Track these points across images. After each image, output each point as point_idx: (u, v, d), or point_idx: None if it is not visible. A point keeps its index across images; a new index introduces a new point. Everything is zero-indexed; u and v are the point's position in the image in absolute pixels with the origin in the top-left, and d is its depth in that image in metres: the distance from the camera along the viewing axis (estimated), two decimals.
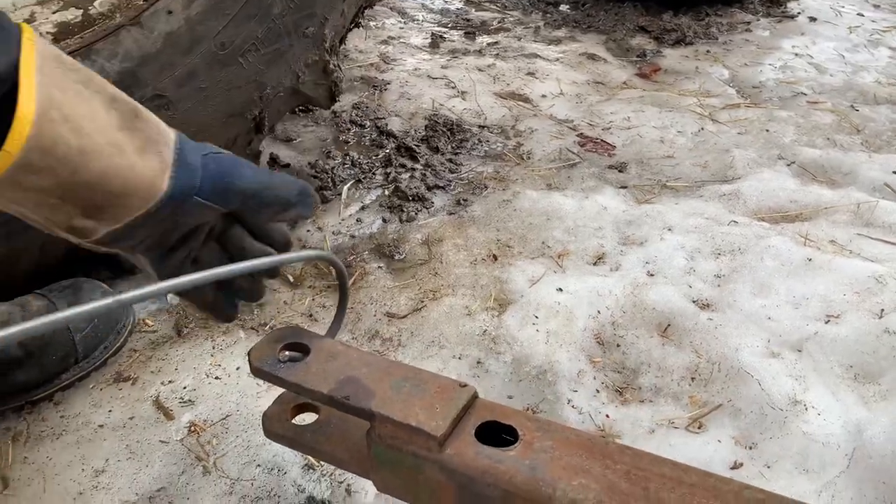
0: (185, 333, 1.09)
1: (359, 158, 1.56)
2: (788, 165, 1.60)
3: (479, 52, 2.28)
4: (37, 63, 0.49)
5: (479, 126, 1.76)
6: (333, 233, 1.35)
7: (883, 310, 1.11)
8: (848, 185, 1.52)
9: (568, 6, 2.75)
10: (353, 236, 1.34)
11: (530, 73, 2.10)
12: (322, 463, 0.89)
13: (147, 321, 1.11)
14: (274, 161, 1.53)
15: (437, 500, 0.65)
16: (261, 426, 0.90)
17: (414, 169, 1.55)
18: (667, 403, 0.99)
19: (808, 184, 1.53)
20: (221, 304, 0.71)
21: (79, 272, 1.11)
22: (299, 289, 1.20)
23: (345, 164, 1.55)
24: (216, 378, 1.01)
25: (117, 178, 0.52)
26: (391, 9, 2.68)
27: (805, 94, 2.01)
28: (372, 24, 2.48)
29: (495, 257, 1.28)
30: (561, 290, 1.17)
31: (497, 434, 0.64)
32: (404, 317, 1.15)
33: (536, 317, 1.12)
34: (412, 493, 0.67)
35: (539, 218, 1.38)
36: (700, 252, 1.27)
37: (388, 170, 1.54)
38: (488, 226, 1.37)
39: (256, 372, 0.70)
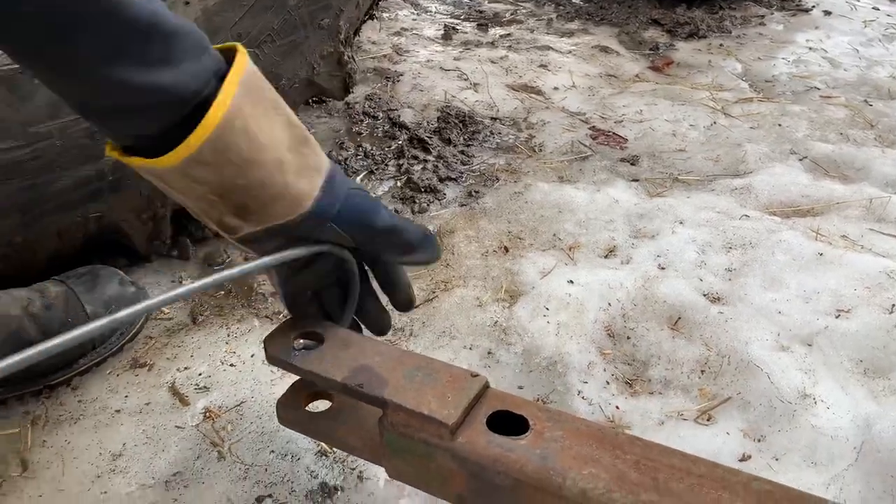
0: (201, 321, 1.10)
1: (371, 150, 1.57)
2: (801, 160, 1.60)
3: (492, 44, 2.28)
4: (241, 81, 0.57)
5: (492, 118, 1.77)
6: None
7: (894, 305, 1.11)
8: (860, 181, 1.52)
9: None
10: None
11: (543, 66, 2.11)
12: (335, 450, 0.91)
13: (163, 308, 1.13)
14: None
15: (448, 488, 0.66)
16: (275, 413, 0.92)
17: (426, 160, 1.56)
18: (676, 396, 0.99)
19: (821, 179, 1.53)
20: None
21: (96, 260, 1.12)
22: None
23: (357, 155, 1.56)
24: (231, 365, 1.02)
25: (271, 189, 0.61)
26: (404, 0, 2.69)
27: (818, 89, 2.01)
28: (385, 15, 2.49)
29: (506, 249, 1.29)
30: (572, 282, 1.18)
31: (508, 423, 0.65)
32: (416, 307, 1.16)
33: (547, 308, 1.13)
34: (423, 481, 0.69)
35: (550, 210, 1.39)
36: (711, 246, 1.27)
37: (401, 161, 1.55)
38: (500, 218, 1.38)
39: (271, 359, 0.72)
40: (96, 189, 1.04)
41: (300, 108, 1.68)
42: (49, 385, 0.99)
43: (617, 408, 0.98)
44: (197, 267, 1.22)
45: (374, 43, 2.21)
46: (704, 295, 1.16)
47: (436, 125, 1.69)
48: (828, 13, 2.62)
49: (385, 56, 2.12)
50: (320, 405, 0.81)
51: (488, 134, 1.69)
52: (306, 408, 0.78)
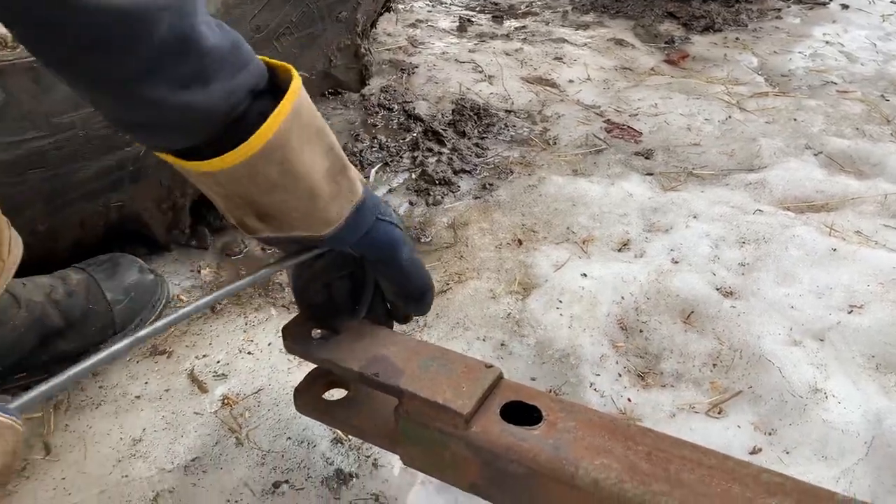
0: (219, 310, 1.12)
1: (386, 142, 1.58)
2: (816, 155, 1.60)
3: (507, 37, 2.28)
4: (289, 111, 0.57)
5: (506, 111, 1.77)
6: None
7: None
8: (876, 176, 1.52)
9: None
10: None
11: (558, 58, 2.11)
12: (350, 437, 0.92)
13: (181, 297, 1.14)
14: None
15: (461, 476, 0.68)
16: (291, 400, 0.93)
17: (441, 153, 1.57)
18: (688, 389, 1.00)
19: (836, 174, 1.53)
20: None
21: (116, 248, 1.14)
22: None
23: (373, 147, 1.57)
24: (248, 353, 1.04)
25: (296, 213, 0.62)
26: None
27: (835, 84, 2.00)
28: (400, 6, 2.49)
29: (520, 242, 1.30)
30: (585, 275, 1.19)
31: (521, 414, 0.66)
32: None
33: (560, 301, 1.14)
34: (437, 468, 0.70)
35: (564, 203, 1.40)
36: (725, 240, 1.28)
37: (416, 153, 1.56)
38: (514, 210, 1.39)
39: (290, 348, 0.73)
40: (117, 179, 1.06)
41: (316, 100, 1.69)
42: None
43: (629, 400, 0.99)
44: (215, 256, 1.23)
45: (389, 35, 2.22)
46: (717, 289, 1.17)
47: (450, 117, 1.70)
48: (845, 7, 2.60)
49: (400, 48, 2.13)
50: (336, 394, 0.83)
51: (503, 126, 1.70)
52: (322, 396, 0.79)
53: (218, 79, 0.54)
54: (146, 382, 1.00)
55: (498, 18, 2.46)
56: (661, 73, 2.07)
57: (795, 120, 1.77)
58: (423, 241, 1.31)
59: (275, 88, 0.59)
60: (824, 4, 2.62)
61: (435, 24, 2.37)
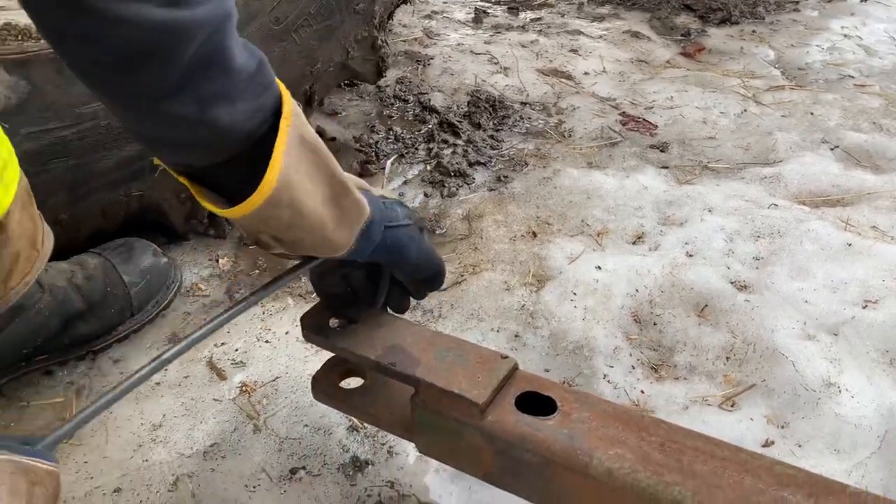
0: (237, 299, 1.13)
1: (402, 133, 1.59)
2: (832, 149, 1.59)
3: (522, 28, 2.28)
4: (287, 144, 0.56)
5: (521, 103, 1.78)
6: None
7: None
8: (892, 171, 1.51)
9: None
10: None
11: (573, 50, 2.10)
12: (365, 425, 0.94)
13: (200, 286, 1.16)
14: (320, 134, 1.57)
15: (476, 464, 0.69)
16: (308, 388, 0.94)
17: (456, 145, 1.58)
18: (701, 382, 1.01)
19: (852, 168, 1.52)
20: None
21: (135, 236, 1.16)
22: None
23: (388, 138, 1.58)
24: (266, 342, 1.05)
25: (309, 242, 0.63)
26: None
27: (852, 77, 1.99)
28: None
29: (535, 234, 1.31)
30: (599, 267, 1.20)
31: (536, 404, 0.67)
32: (444, 290, 1.18)
33: (574, 293, 1.15)
34: (453, 457, 0.71)
35: (579, 196, 1.40)
36: (739, 234, 1.28)
37: (431, 145, 1.57)
38: (528, 203, 1.40)
39: (308, 337, 0.75)
40: (138, 169, 1.07)
41: (333, 91, 1.70)
42: (92, 350, 1.03)
43: (642, 392, 0.99)
44: (232, 246, 1.25)
45: (404, 26, 2.23)
46: (732, 283, 1.17)
47: (466, 109, 1.70)
48: None
49: (416, 39, 2.13)
50: (352, 382, 0.84)
51: (518, 119, 1.70)
52: (340, 384, 0.81)
53: (244, 98, 0.54)
54: (166, 369, 1.02)
55: (513, 10, 2.46)
56: (677, 65, 2.06)
57: (812, 114, 1.76)
58: (437, 232, 1.32)
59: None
60: None
61: (450, 16, 2.37)
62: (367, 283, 0.78)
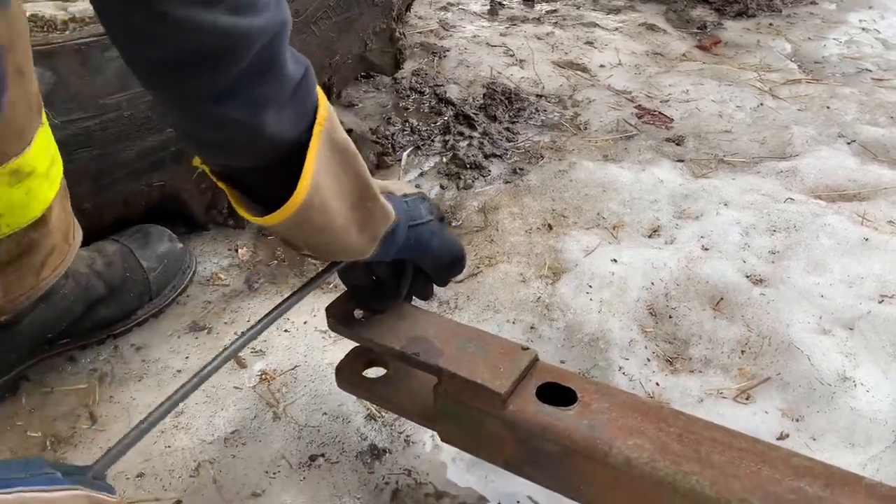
0: (256, 288, 1.15)
1: (418, 125, 1.60)
2: (849, 144, 1.59)
3: (538, 20, 2.28)
4: (318, 149, 0.57)
5: (537, 95, 1.78)
6: None
7: None
8: None
9: None
10: None
11: (589, 43, 2.10)
12: (383, 413, 0.95)
13: (220, 275, 1.18)
14: None
15: (497, 453, 0.70)
16: (326, 377, 0.96)
17: (471, 137, 1.58)
18: (716, 374, 1.02)
19: (869, 163, 1.52)
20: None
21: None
22: None
23: (404, 130, 1.59)
24: (285, 331, 1.07)
25: (336, 246, 0.65)
26: None
27: (870, 71, 1.98)
28: None
29: (550, 227, 1.31)
30: (615, 260, 1.20)
31: (556, 395, 0.68)
32: (460, 281, 1.19)
33: (590, 286, 1.15)
34: (474, 446, 0.73)
35: (595, 189, 1.41)
36: (755, 228, 1.28)
37: (447, 137, 1.58)
38: (544, 195, 1.40)
39: (333, 327, 0.76)
40: (160, 159, 1.09)
41: (349, 83, 1.71)
42: (112, 334, 1.05)
43: (657, 384, 1.00)
44: (252, 236, 1.26)
45: (420, 18, 2.23)
46: (747, 276, 1.18)
47: (481, 101, 1.71)
48: None
49: (431, 31, 2.13)
50: (373, 372, 0.85)
51: (533, 111, 1.71)
52: (363, 373, 0.82)
53: (291, 104, 0.55)
54: (187, 357, 1.04)
55: (529, 2, 2.45)
56: (693, 58, 2.06)
57: (828, 108, 1.75)
58: (453, 224, 1.33)
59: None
60: None
61: (466, 8, 2.37)
62: (391, 275, 0.79)
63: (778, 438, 0.92)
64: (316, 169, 0.57)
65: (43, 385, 1.00)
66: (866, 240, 1.23)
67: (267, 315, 0.68)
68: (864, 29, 2.26)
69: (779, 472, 0.60)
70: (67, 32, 0.98)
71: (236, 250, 1.22)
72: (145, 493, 0.87)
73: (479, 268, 1.22)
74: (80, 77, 0.98)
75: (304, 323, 1.08)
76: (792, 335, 1.05)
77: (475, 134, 1.59)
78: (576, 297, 1.14)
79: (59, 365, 1.03)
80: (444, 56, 1.97)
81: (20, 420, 0.95)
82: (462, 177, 1.45)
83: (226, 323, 1.09)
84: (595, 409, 0.66)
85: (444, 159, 1.51)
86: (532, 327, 1.10)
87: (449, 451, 0.90)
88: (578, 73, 1.92)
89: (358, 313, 0.76)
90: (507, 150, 1.55)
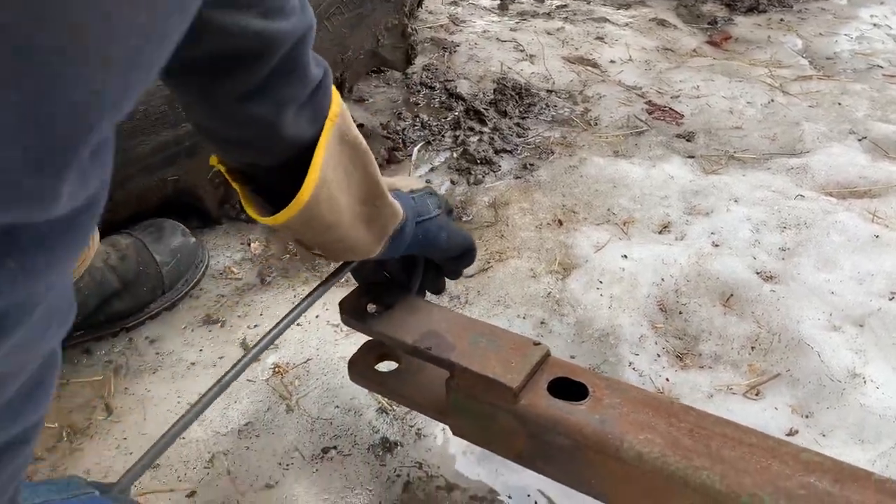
0: (268, 282, 1.16)
1: (428, 120, 1.61)
2: (860, 140, 1.59)
3: (548, 15, 2.28)
4: (328, 143, 0.58)
5: (547, 90, 1.78)
6: None
7: None
8: None
9: None
10: None
11: (599, 38, 2.10)
12: (394, 407, 0.96)
13: (233, 269, 1.19)
14: None
15: (508, 447, 0.71)
16: (338, 370, 0.97)
17: (482, 132, 1.59)
18: (726, 370, 1.02)
19: (880, 160, 1.52)
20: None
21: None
22: None
23: (415, 125, 1.59)
24: (297, 325, 1.08)
25: (345, 244, 0.66)
26: None
27: (881, 67, 1.97)
28: None
29: (560, 222, 1.32)
30: (625, 256, 1.21)
31: (568, 390, 0.69)
32: (471, 276, 1.20)
33: (600, 282, 1.16)
34: (486, 439, 0.73)
35: (605, 185, 1.41)
36: (766, 225, 1.28)
37: (457, 132, 1.58)
38: (554, 191, 1.41)
39: (347, 321, 0.77)
40: (174, 154, 1.10)
41: (361, 78, 1.72)
42: (126, 328, 1.06)
43: (667, 380, 1.01)
44: (264, 230, 1.27)
45: (430, 12, 2.23)
46: (757, 273, 1.18)
47: (492, 97, 1.71)
48: None
49: (441, 26, 2.14)
50: (385, 366, 0.86)
51: (544, 106, 1.71)
52: (375, 367, 0.83)
53: (311, 104, 0.57)
54: (201, 350, 1.05)
55: None
56: (704, 54, 2.05)
57: (840, 104, 1.75)
58: (464, 219, 1.34)
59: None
60: None
61: (476, 2, 2.37)
62: (402, 270, 0.80)
63: (787, 434, 0.92)
64: (325, 163, 0.58)
65: (58, 378, 1.01)
66: (877, 237, 1.23)
67: (283, 318, 0.70)
68: (875, 25, 2.25)
69: (789, 468, 0.60)
70: None
71: (249, 244, 1.23)
72: (160, 483, 0.88)
73: (489, 263, 1.22)
74: None
75: (316, 317, 1.09)
76: (802, 332, 1.05)
77: (485, 129, 1.60)
78: (586, 292, 1.14)
79: (75, 357, 1.04)
80: (455, 51, 1.97)
81: None
82: (472, 172, 1.46)
83: (239, 316, 1.10)
84: (606, 404, 0.66)
85: (455, 154, 1.52)
86: (542, 322, 1.10)
87: (459, 445, 0.91)
88: (589, 68, 1.92)
89: (371, 308, 0.77)
90: (517, 145, 1.56)
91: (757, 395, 0.98)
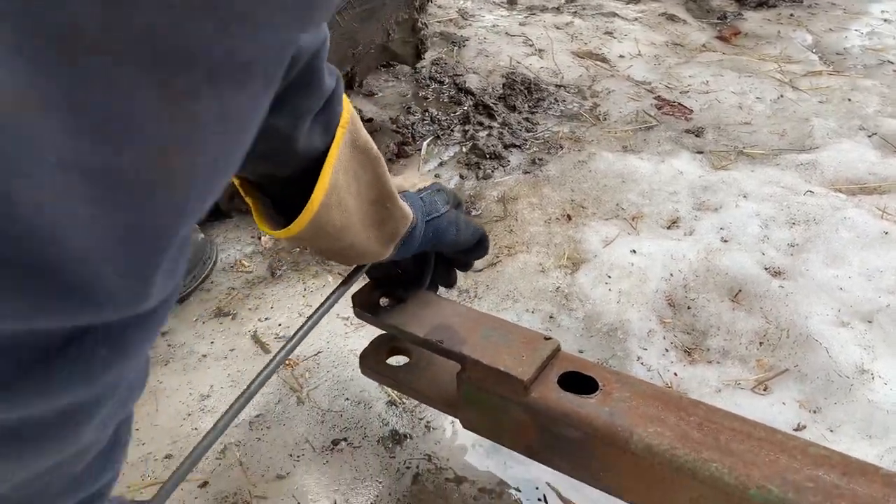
0: (279, 275, 1.17)
1: (438, 115, 1.61)
2: (870, 136, 1.58)
3: (557, 10, 2.28)
4: (339, 150, 0.58)
5: (556, 85, 1.78)
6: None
7: None
8: None
9: None
10: None
11: (608, 33, 2.10)
12: (404, 400, 0.97)
13: (243, 262, 1.19)
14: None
15: (518, 439, 0.71)
16: (348, 363, 0.98)
17: (491, 127, 1.59)
18: (734, 365, 1.02)
19: (889, 156, 1.51)
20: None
21: None
22: None
23: (424, 120, 1.60)
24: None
25: (357, 249, 0.66)
26: None
27: (891, 63, 1.96)
28: None
29: (569, 217, 1.32)
30: (634, 251, 1.21)
31: (578, 384, 0.69)
32: (480, 271, 1.20)
33: (609, 276, 1.16)
34: (496, 432, 0.74)
35: (614, 180, 1.41)
36: (774, 220, 1.29)
37: (466, 127, 1.59)
38: (563, 186, 1.41)
39: (360, 315, 0.77)
40: None
41: (371, 73, 1.72)
42: None
43: (675, 374, 1.01)
44: None
45: (440, 7, 2.23)
46: (766, 269, 1.18)
47: (501, 91, 1.71)
48: None
49: (451, 20, 2.14)
50: (395, 361, 0.87)
51: (553, 101, 1.71)
52: (386, 361, 0.84)
53: (324, 114, 0.57)
54: (212, 342, 1.06)
55: None
56: (713, 49, 2.05)
57: (849, 100, 1.75)
58: (473, 214, 1.34)
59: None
60: None
61: None
62: (414, 265, 0.80)
63: (795, 429, 0.93)
64: (335, 169, 0.58)
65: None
66: (886, 233, 1.23)
67: (301, 328, 0.70)
68: (886, 20, 2.24)
69: (797, 461, 0.60)
70: None
71: (259, 238, 1.24)
72: None
73: (498, 257, 1.23)
74: None
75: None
76: (810, 327, 1.05)
77: (495, 124, 1.60)
78: (595, 287, 1.15)
79: None
80: (464, 45, 1.97)
81: None
82: (481, 167, 1.46)
83: (250, 309, 1.11)
84: (616, 398, 0.67)
85: (464, 149, 1.52)
86: (551, 317, 1.11)
87: (468, 438, 0.92)
88: (598, 63, 1.92)
89: (383, 301, 0.78)
90: (526, 140, 1.56)
91: (765, 390, 0.98)
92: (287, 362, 1.02)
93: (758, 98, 1.76)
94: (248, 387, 0.65)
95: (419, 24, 1.34)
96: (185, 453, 0.91)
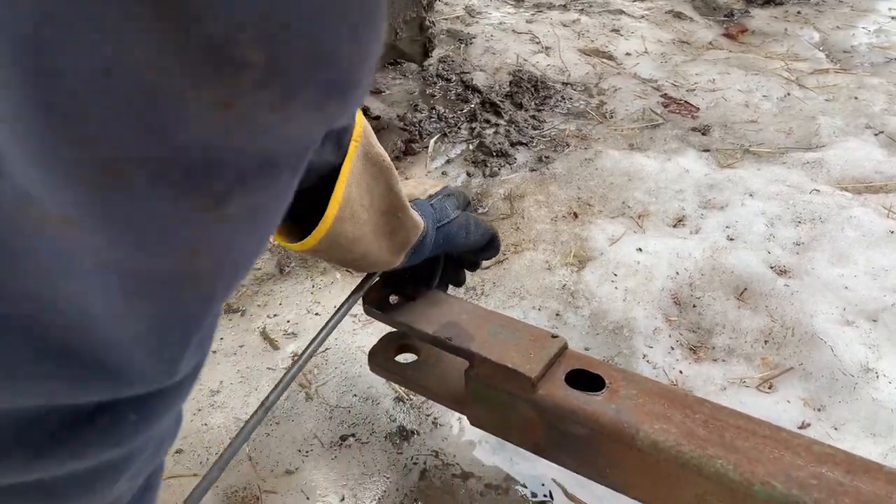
0: (287, 272, 1.18)
1: (445, 112, 1.62)
2: (876, 135, 1.59)
3: (564, 7, 2.28)
4: (352, 164, 0.59)
5: (563, 83, 1.79)
6: None
7: None
8: None
9: None
10: None
11: (615, 30, 2.10)
12: (411, 396, 0.98)
13: None
14: (365, 112, 1.60)
15: (526, 436, 0.72)
16: (356, 359, 0.99)
17: (498, 125, 1.60)
18: (739, 364, 1.03)
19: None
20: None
21: None
22: None
23: (431, 117, 1.60)
24: (316, 314, 1.10)
25: (369, 258, 0.67)
26: None
27: None
28: None
29: (576, 215, 1.33)
30: (640, 249, 1.22)
31: (585, 382, 0.70)
32: (487, 268, 1.21)
33: (615, 274, 1.17)
34: (504, 429, 0.75)
35: (620, 178, 1.42)
36: (780, 219, 1.29)
37: (473, 125, 1.59)
38: (569, 184, 1.42)
39: (369, 311, 0.78)
40: None
41: (377, 71, 1.73)
42: None
43: (680, 372, 1.02)
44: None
45: (446, 4, 2.24)
46: (772, 267, 1.19)
47: (507, 89, 1.72)
48: None
49: (458, 18, 2.14)
50: (403, 358, 0.88)
51: (559, 99, 1.72)
52: (395, 358, 0.85)
53: (337, 131, 0.57)
54: (221, 338, 1.07)
55: None
56: (720, 47, 2.05)
57: (856, 98, 1.75)
58: (479, 212, 1.35)
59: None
60: None
61: None
62: (424, 264, 0.81)
63: (800, 427, 0.94)
64: (348, 182, 0.59)
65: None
66: (892, 232, 1.23)
67: (316, 337, 0.72)
68: (893, 18, 2.23)
69: (801, 459, 0.61)
70: None
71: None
72: (183, 468, 0.90)
73: (505, 255, 1.24)
74: None
75: (334, 306, 1.10)
76: (815, 326, 1.06)
77: (501, 121, 1.61)
78: (601, 285, 1.16)
79: None
80: (471, 43, 1.98)
81: None
82: (488, 164, 1.47)
83: (258, 305, 1.12)
84: (623, 395, 0.68)
85: (471, 147, 1.53)
86: (557, 314, 1.11)
87: (475, 434, 0.93)
88: (604, 60, 1.93)
89: (393, 299, 0.79)
90: (532, 137, 1.57)
91: (770, 388, 0.99)
92: (295, 358, 1.03)
93: (764, 96, 1.76)
94: (268, 396, 0.66)
95: (427, 23, 1.35)
96: (195, 449, 0.93)
